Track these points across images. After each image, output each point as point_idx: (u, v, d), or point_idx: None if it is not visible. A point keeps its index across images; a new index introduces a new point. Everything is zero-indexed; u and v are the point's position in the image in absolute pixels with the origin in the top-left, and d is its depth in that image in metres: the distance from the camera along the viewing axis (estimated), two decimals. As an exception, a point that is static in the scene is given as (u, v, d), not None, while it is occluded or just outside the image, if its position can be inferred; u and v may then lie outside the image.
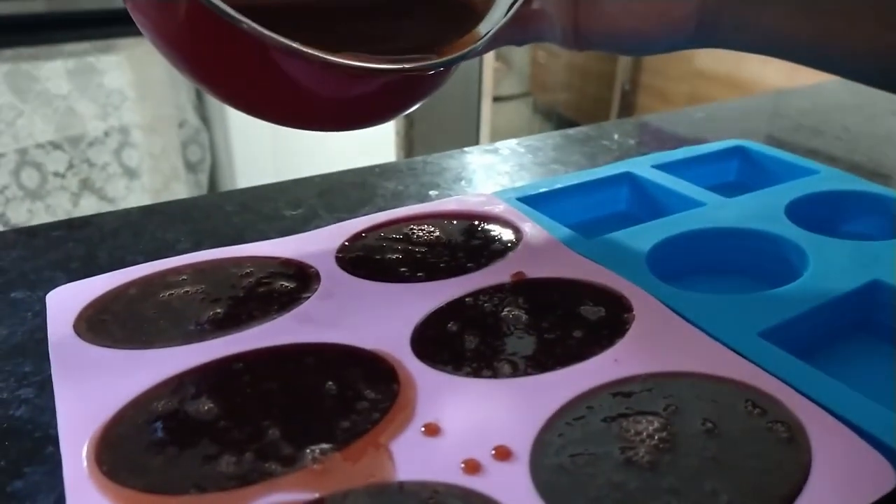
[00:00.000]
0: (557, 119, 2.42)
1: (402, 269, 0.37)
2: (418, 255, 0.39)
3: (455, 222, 0.43)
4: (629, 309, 0.33)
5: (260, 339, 0.31)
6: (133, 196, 1.52)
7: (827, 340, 0.35)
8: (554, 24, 0.37)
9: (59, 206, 1.43)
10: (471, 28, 0.35)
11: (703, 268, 0.41)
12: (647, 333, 0.31)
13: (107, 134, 1.46)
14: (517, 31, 0.37)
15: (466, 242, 0.40)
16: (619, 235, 0.41)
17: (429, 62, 0.32)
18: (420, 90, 0.35)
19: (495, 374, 0.29)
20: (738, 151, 0.55)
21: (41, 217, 1.40)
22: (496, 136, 1.99)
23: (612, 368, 0.29)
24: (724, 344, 0.31)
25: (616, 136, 0.66)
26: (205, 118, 1.63)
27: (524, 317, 0.33)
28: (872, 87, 0.35)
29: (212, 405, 0.27)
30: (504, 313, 0.33)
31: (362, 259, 0.38)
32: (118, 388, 0.28)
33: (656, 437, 0.25)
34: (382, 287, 0.36)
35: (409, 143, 1.89)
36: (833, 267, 0.37)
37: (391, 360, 0.30)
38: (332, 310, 0.34)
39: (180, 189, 1.59)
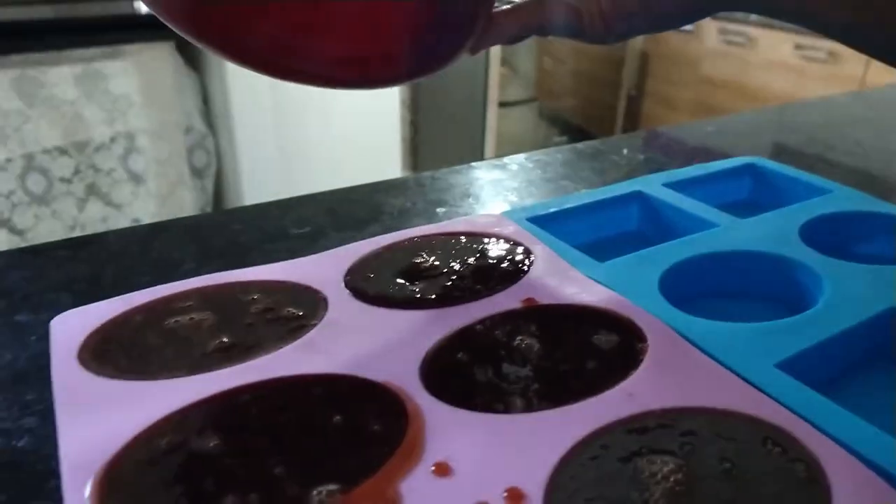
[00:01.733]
0: (563, 125, 2.42)
1: (411, 294, 0.37)
2: (427, 279, 0.38)
3: (464, 244, 0.42)
4: (643, 338, 0.32)
5: (267, 369, 0.31)
6: (139, 202, 1.52)
7: (845, 370, 0.34)
8: (580, 11, 0.34)
9: (65, 212, 1.43)
10: None
11: (717, 291, 0.40)
12: (661, 365, 0.31)
13: (113, 139, 1.46)
14: (539, 16, 0.35)
15: (476, 266, 0.39)
16: (631, 259, 0.40)
17: None
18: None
19: (507, 409, 0.28)
20: (749, 169, 0.54)
21: (47, 222, 1.39)
22: (501, 141, 1.99)
23: (627, 403, 0.28)
24: (740, 376, 0.30)
25: (625, 151, 0.65)
26: (211, 124, 1.63)
27: (536, 346, 0.32)
28: None
29: (217, 441, 0.26)
30: (516, 343, 0.32)
31: (370, 283, 0.38)
32: (122, 423, 0.27)
33: (672, 479, 0.25)
34: (390, 314, 0.35)
35: (415, 148, 1.89)
36: (850, 293, 0.36)
37: (400, 392, 0.29)
38: (340, 338, 0.33)
39: (186, 195, 1.59)
